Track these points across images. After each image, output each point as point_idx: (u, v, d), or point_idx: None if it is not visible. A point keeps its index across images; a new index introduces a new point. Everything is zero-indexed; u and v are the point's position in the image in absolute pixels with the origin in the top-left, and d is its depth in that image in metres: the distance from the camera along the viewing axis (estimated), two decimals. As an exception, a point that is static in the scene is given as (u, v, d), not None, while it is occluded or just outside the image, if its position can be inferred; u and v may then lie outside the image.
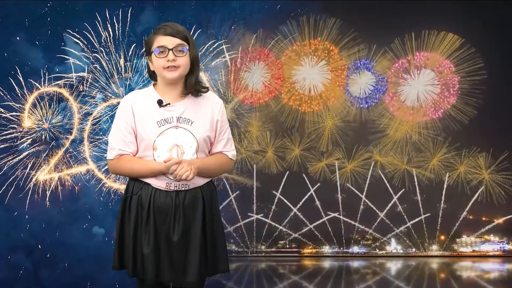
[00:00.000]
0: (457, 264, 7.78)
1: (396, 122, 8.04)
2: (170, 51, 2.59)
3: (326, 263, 7.75)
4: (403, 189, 7.95)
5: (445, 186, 7.95)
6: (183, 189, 2.65)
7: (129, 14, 6.13)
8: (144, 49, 2.79)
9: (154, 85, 2.75)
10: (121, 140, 2.66)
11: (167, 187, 2.63)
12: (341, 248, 8.05)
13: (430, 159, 7.94)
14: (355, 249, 8.09)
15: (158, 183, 2.64)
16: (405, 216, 7.94)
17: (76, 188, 6.05)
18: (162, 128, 2.62)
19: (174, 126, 2.64)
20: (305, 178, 8.07)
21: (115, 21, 6.15)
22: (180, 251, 2.61)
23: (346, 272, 7.23)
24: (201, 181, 2.69)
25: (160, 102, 2.65)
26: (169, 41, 2.60)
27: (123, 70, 6.12)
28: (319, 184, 8.05)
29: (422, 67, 8.16)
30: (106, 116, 6.13)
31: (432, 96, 8.26)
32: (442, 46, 8.11)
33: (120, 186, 6.06)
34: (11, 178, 5.92)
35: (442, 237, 8.10)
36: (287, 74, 7.89)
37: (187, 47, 2.62)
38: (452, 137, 8.07)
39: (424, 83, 8.20)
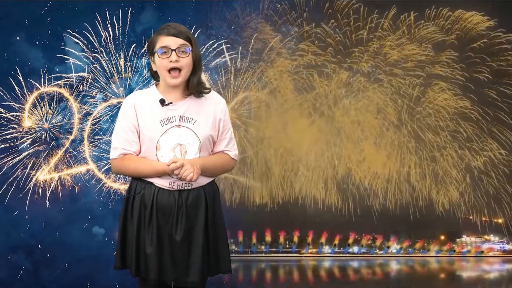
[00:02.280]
0: (457, 264, 7.77)
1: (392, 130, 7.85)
2: (173, 52, 2.59)
3: (326, 263, 7.75)
4: (404, 190, 7.93)
5: (446, 186, 7.93)
6: (186, 188, 2.65)
7: (129, 14, 6.13)
8: (145, 48, 2.79)
9: (156, 85, 2.75)
10: (124, 140, 2.66)
11: (170, 186, 2.64)
12: (341, 248, 8.05)
13: (433, 159, 7.90)
14: (355, 249, 8.09)
15: (161, 182, 2.64)
16: (408, 217, 7.92)
17: (76, 188, 6.05)
18: (165, 127, 2.62)
19: (176, 125, 2.64)
20: (305, 179, 8.07)
21: (115, 21, 6.15)
22: (182, 251, 2.61)
23: (346, 272, 7.22)
24: (204, 181, 2.70)
25: (162, 101, 2.65)
26: (172, 42, 2.60)
27: (123, 70, 6.12)
28: (321, 185, 8.03)
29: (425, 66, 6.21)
30: (106, 116, 6.13)
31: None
32: (456, 33, 5.63)
33: (120, 186, 6.06)
34: (11, 178, 5.92)
35: (442, 237, 8.10)
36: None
37: (190, 48, 2.62)
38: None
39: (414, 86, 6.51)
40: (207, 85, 2.76)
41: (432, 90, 7.10)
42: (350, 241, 7.98)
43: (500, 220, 7.85)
